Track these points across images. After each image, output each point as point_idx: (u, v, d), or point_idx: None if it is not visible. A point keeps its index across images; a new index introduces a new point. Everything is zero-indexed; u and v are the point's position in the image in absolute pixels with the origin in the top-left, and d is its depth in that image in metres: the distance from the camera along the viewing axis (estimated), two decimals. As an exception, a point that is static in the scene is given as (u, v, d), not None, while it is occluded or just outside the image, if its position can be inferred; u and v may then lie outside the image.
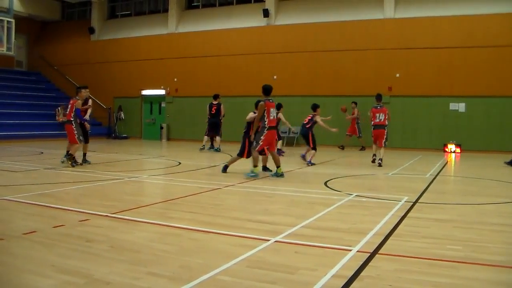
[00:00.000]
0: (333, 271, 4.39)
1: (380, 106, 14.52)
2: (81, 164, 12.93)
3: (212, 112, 18.16)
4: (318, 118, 14.26)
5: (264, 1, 24.51)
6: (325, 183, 10.28)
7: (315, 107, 14.57)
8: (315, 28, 23.00)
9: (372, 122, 14.54)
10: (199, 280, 4.12)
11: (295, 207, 7.78)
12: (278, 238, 5.56)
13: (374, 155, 14.63)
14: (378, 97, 14.80)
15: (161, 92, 26.71)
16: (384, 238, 5.61)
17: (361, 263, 4.64)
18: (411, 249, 5.14)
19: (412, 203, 7.99)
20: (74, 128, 12.62)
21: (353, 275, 4.29)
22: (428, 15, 20.92)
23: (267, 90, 11.27)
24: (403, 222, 6.52)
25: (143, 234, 5.76)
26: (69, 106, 12.84)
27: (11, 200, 7.82)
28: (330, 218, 6.80)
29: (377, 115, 14.36)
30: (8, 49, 22.83)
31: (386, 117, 14.38)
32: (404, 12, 21.56)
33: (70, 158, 12.66)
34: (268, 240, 5.44)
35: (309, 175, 12.22)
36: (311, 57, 22.87)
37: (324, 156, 17.44)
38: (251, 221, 6.53)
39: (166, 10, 27.59)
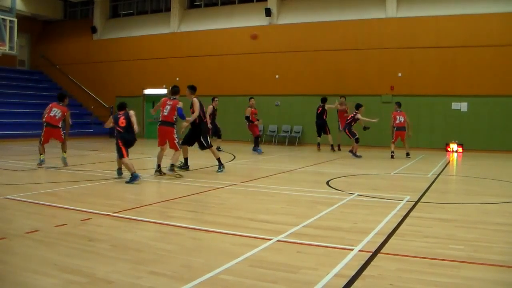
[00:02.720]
0: (335, 270, 4.40)
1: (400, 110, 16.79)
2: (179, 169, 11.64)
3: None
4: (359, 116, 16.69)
5: (266, 0, 24.52)
6: (327, 183, 10.28)
7: (358, 107, 16.83)
8: (317, 27, 23.00)
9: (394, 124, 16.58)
10: (201, 279, 4.13)
11: (297, 206, 7.79)
12: (280, 237, 5.57)
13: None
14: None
15: (163, 91, 26.69)
16: (386, 237, 5.61)
17: (363, 262, 4.64)
18: (413, 249, 5.14)
19: (414, 202, 7.98)
20: (175, 132, 11.30)
21: (354, 274, 4.30)
22: (431, 14, 20.92)
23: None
24: (405, 221, 6.51)
25: (145, 233, 5.78)
26: (170, 106, 11.18)
27: (13, 199, 7.85)
28: (332, 218, 6.80)
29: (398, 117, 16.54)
30: (11, 48, 22.83)
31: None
32: (407, 11, 21.55)
33: (172, 169, 11.18)
34: (270, 240, 5.45)
35: (311, 174, 12.22)
36: (314, 56, 22.87)
37: (325, 155, 17.45)
38: (253, 220, 6.54)
39: (168, 9, 27.63)
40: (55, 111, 12.87)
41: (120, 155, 10.46)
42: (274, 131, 23.45)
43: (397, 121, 16.45)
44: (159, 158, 11.23)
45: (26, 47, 31.54)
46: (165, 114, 11.15)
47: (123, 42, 28.46)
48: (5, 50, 22.58)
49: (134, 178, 10.05)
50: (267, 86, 23.64)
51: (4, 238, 5.42)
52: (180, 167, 12.04)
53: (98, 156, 14.68)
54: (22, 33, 27.53)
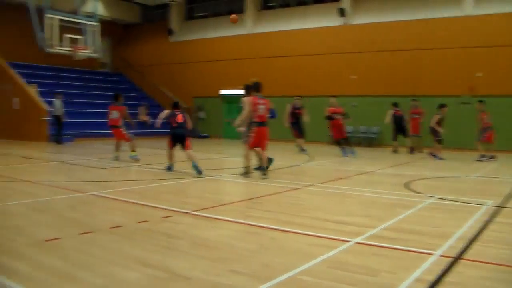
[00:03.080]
0: (414, 274, 4.30)
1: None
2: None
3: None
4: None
5: (340, 0, 24.27)
6: (406, 185, 10.06)
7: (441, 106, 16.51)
8: (392, 26, 22.48)
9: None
10: (279, 279, 4.14)
11: (375, 208, 7.68)
12: (358, 239, 5.51)
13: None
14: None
15: (240, 91, 26.88)
16: (468, 243, 5.42)
17: (444, 268, 4.51)
18: (498, 256, 4.95)
19: (497, 207, 7.68)
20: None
21: (435, 280, 4.18)
22: (510, 11, 19.99)
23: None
24: (488, 227, 6.27)
25: (223, 232, 5.87)
26: (264, 105, 11.02)
27: (98, 196, 8.19)
28: (411, 221, 6.66)
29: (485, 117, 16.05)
30: (93, 51, 23.81)
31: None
32: (484, 8, 20.67)
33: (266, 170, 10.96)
34: (349, 241, 5.41)
35: (389, 176, 12.00)
36: (389, 57, 22.37)
37: (404, 157, 17.10)
38: (331, 221, 6.50)
39: (242, 11, 27.87)
40: (113, 113, 14.30)
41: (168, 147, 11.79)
42: (351, 132, 23.18)
43: (487, 121, 15.90)
44: (249, 159, 11.15)
45: (108, 50, 32.68)
46: (263, 114, 10.93)
47: (199, 43, 28.98)
48: (89, 53, 23.58)
49: (168, 169, 11.64)
50: (343, 87, 23.37)
51: (91, 232, 5.66)
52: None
53: (177, 155, 14.95)
54: (103, 37, 28.48)
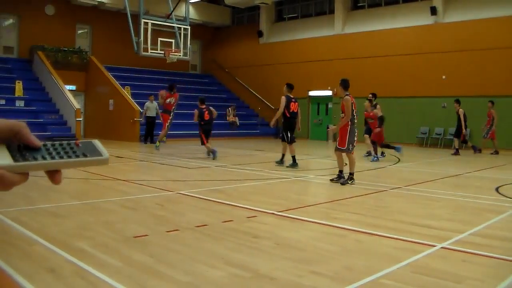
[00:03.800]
0: (503, 284, 4.08)
1: None
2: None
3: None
4: None
5: (432, -1, 23.54)
6: (497, 189, 9.58)
7: None
8: (488, 23, 21.38)
9: None
10: (361, 282, 4.08)
11: (463, 212, 7.39)
12: (444, 244, 5.31)
13: None
14: None
15: (328, 93, 26.77)
16: None
17: (539, 278, 4.25)
18: None
19: None
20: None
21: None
22: None
23: None
24: None
25: (307, 233, 5.84)
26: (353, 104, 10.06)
27: (185, 195, 8.40)
28: (501, 227, 6.34)
29: None
30: (184, 54, 24.45)
31: None
32: None
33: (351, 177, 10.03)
34: (434, 246, 5.22)
35: (479, 179, 11.49)
36: (483, 56, 21.38)
37: (497, 159, 16.35)
38: (416, 225, 6.31)
39: (332, 12, 27.67)
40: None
41: (202, 142, 14.09)
42: (440, 134, 22.43)
43: None
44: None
45: (198, 52, 33.53)
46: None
47: (288, 45, 29.06)
48: (180, 56, 24.27)
49: (213, 153, 13.90)
50: (433, 87, 22.64)
51: (177, 230, 5.82)
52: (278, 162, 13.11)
53: (264, 156, 15.12)
54: (194, 40, 29.27)
